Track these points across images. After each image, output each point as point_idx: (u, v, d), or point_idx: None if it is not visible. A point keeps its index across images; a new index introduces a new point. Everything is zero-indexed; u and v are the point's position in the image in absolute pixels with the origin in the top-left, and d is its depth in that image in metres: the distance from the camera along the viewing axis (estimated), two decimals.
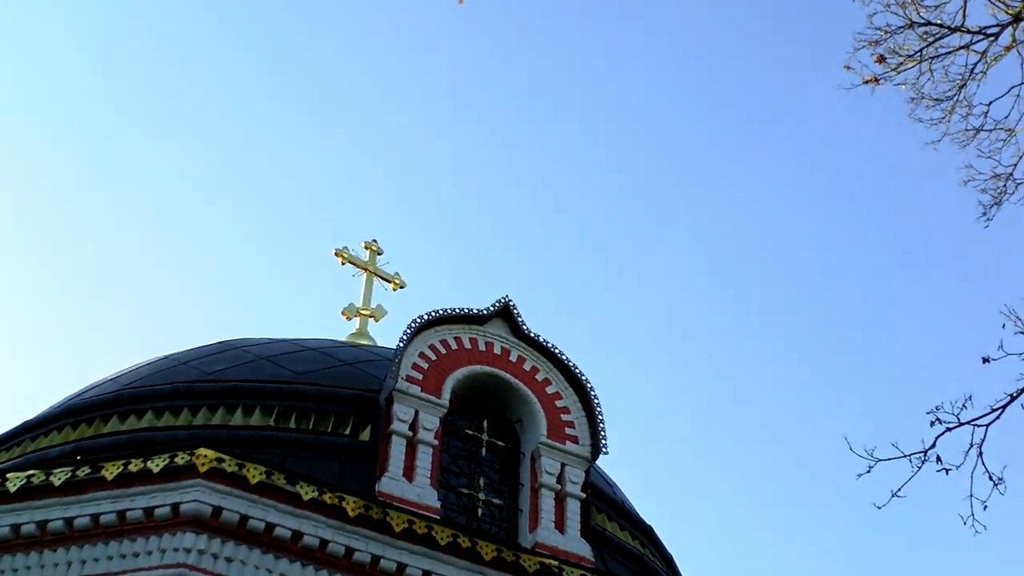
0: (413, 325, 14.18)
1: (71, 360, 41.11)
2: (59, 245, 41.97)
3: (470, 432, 14.47)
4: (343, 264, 19.96)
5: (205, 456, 11.00)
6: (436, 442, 13.70)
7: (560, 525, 13.85)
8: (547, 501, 13.97)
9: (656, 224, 41.34)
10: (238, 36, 42.82)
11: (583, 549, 13.65)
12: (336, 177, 42.73)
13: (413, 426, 13.65)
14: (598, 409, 14.86)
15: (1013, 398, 10.06)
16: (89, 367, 41.57)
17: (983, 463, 10.09)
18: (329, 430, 13.94)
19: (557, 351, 15.19)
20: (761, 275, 40.91)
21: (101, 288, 42.47)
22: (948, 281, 38.86)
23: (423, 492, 13.11)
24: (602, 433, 14.63)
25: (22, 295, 41.49)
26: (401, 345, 13.96)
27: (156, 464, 11.05)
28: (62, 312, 41.99)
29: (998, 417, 10.09)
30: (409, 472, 13.28)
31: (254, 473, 11.12)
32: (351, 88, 43.07)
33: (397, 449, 13.42)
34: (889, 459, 10.22)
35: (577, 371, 15.13)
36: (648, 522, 16.43)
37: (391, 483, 13.02)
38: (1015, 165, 11.96)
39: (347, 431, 13.93)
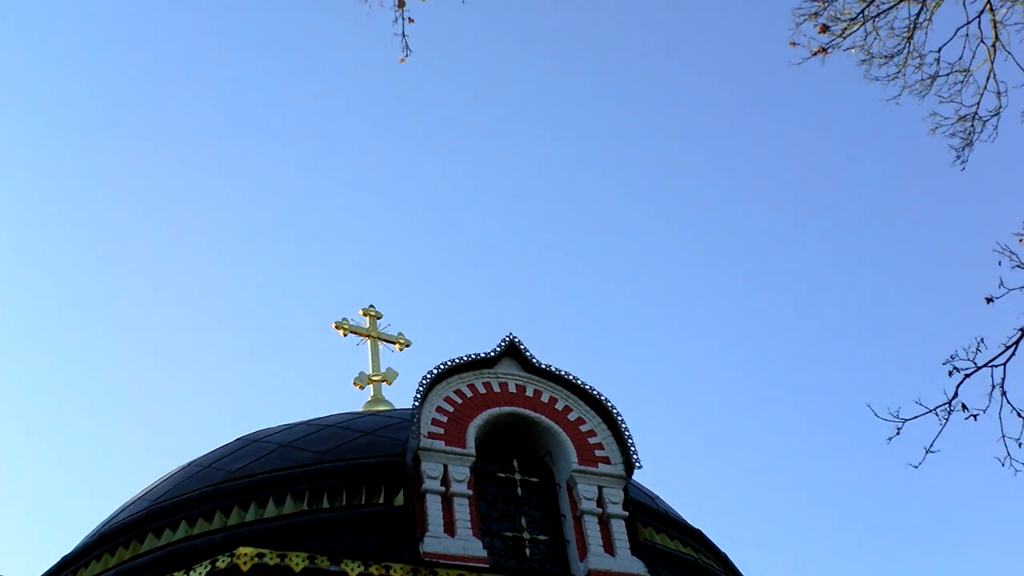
0: (424, 382, 14.21)
1: (96, 485, 41.03)
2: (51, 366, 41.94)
3: (502, 475, 14.46)
4: (345, 336, 20.00)
5: (246, 554, 11.00)
6: (470, 492, 13.69)
7: (609, 548, 13.82)
8: (591, 526, 13.96)
9: (642, 223, 41.23)
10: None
11: (636, 567, 13.62)
12: (322, 251, 42.87)
13: (444, 481, 13.65)
14: (624, 426, 14.87)
15: (1023, 332, 10.05)
16: (115, 488, 41.51)
17: (1008, 402, 10.07)
18: (363, 502, 13.91)
19: (571, 377, 15.22)
20: (751, 257, 40.86)
21: (108, 406, 42.43)
22: (938, 230, 38.85)
23: (467, 544, 13.08)
24: (632, 448, 14.62)
25: (34, 433, 41.44)
26: (417, 404, 13.98)
27: (199, 572, 11.05)
28: (75, 437, 41.91)
29: (1013, 353, 10.08)
30: (450, 527, 13.26)
31: (296, 561, 11.12)
32: (314, 157, 43.17)
33: (433, 507, 13.42)
34: (915, 417, 10.20)
35: (595, 392, 15.15)
36: (697, 526, 16.38)
37: (434, 542, 13.00)
38: (977, 103, 11.99)
39: (381, 500, 13.90)
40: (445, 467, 13.76)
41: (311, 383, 39.12)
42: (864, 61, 12.33)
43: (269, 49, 41.04)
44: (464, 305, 41.58)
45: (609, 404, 15.08)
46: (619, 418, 14.94)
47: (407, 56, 12.06)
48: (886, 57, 12.35)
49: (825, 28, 12.18)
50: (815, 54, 12.16)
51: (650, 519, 15.42)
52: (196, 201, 43.21)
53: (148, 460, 41.23)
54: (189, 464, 16.14)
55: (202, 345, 43.88)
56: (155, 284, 43.09)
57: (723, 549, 16.45)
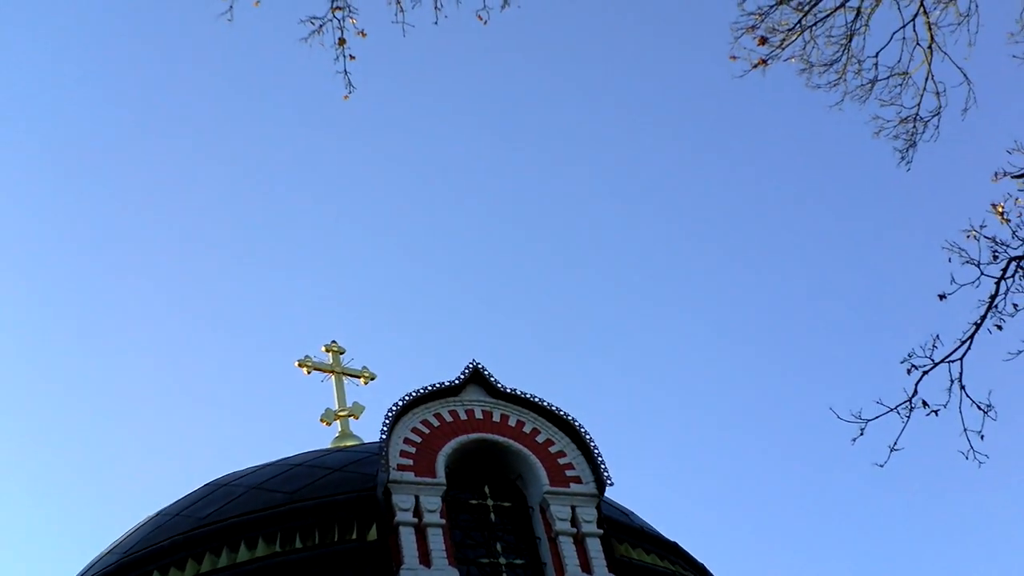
0: (390, 414, 14.21)
1: (64, 539, 40.50)
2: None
3: (474, 502, 14.45)
4: (309, 373, 19.92)
5: None
6: (443, 521, 13.67)
7: (586, 566, 13.84)
8: (567, 547, 13.97)
9: (590, 237, 41.31)
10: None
11: None
12: (280, 290, 42.64)
13: (417, 512, 13.63)
14: (592, 444, 14.91)
15: (977, 325, 10.21)
16: (84, 541, 40.91)
17: (967, 395, 10.22)
18: (336, 539, 13.84)
19: (537, 399, 15.26)
20: (706, 266, 41.08)
21: (72, 460, 41.93)
22: (889, 231, 39.25)
23: (444, 574, 13.07)
24: (603, 466, 14.66)
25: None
26: (384, 437, 13.96)
27: None
28: (40, 492, 41.41)
29: (969, 348, 10.23)
30: (425, 558, 13.23)
31: None
32: (267, 191, 43.03)
33: (407, 539, 13.39)
34: (877, 416, 10.32)
35: (562, 413, 15.19)
36: (672, 538, 16.42)
37: (410, 574, 12.97)
38: (918, 105, 12.19)
39: (354, 535, 13.84)
40: (416, 498, 13.74)
41: (278, 423, 38.88)
42: (804, 70, 12.50)
43: (225, 90, 40.90)
44: (427, 334, 41.54)
45: (576, 423, 15.12)
46: (587, 437, 14.98)
47: (351, 93, 12.11)
48: (826, 65, 12.54)
49: (764, 40, 12.34)
50: (755, 66, 12.32)
51: (625, 535, 15.45)
52: (150, 248, 42.96)
53: (116, 512, 40.83)
54: (158, 513, 16.00)
55: (164, 391, 43.60)
56: (111, 333, 42.73)
57: (700, 559, 16.51)
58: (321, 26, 12.14)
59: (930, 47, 11.89)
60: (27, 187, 41.69)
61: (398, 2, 12.20)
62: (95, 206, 42.51)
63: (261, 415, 41.90)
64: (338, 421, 19.52)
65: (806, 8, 12.43)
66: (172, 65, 40.80)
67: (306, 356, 20.06)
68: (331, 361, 20.17)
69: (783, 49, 12.44)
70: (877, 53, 12.29)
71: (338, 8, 12.16)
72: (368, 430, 19.48)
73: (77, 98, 41.06)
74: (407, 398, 14.58)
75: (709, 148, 40.40)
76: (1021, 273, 10.23)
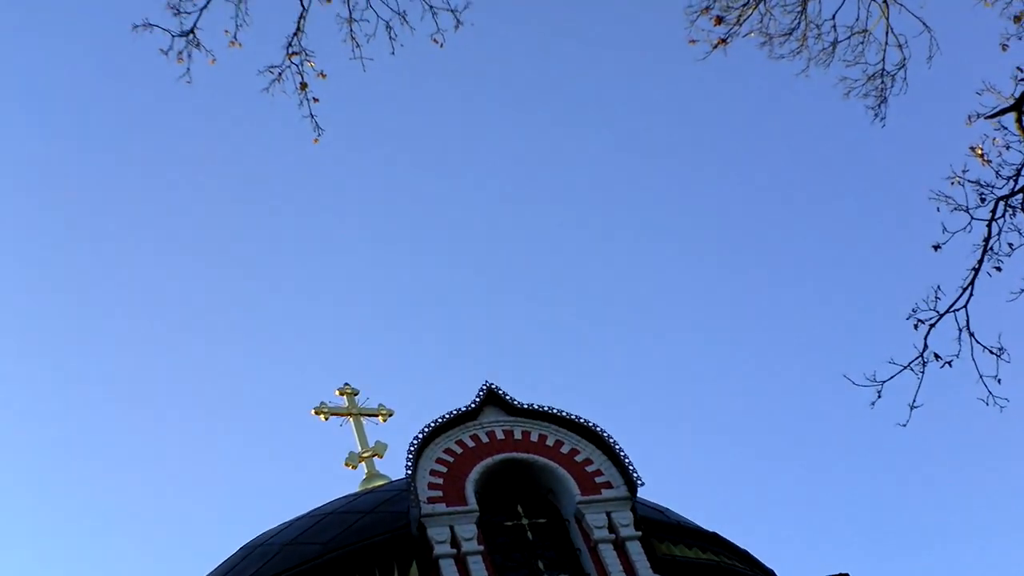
0: (412, 449, 14.17)
1: None
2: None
3: (509, 523, 14.40)
4: (326, 419, 19.88)
5: None
6: (481, 547, 13.63)
7: (630, 570, 13.78)
8: (608, 553, 13.92)
9: (585, 237, 41.14)
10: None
11: None
12: (286, 342, 42.48)
13: (454, 542, 13.60)
14: (618, 448, 14.85)
15: (976, 270, 10.16)
16: None
17: (978, 341, 10.15)
18: None
19: (556, 411, 15.21)
20: (703, 250, 40.94)
21: (106, 536, 41.81)
22: (873, 189, 38.99)
23: None
24: (631, 468, 14.60)
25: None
26: (409, 472, 13.92)
27: None
28: (74, 570, 41.28)
29: (971, 294, 10.17)
30: None
31: None
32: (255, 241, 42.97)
33: (449, 571, 13.36)
34: (892, 377, 10.26)
35: (583, 421, 15.15)
36: (711, 528, 16.33)
37: None
38: (882, 60, 12.16)
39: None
40: (451, 528, 13.70)
41: (304, 474, 38.70)
42: (765, 43, 12.50)
43: (212, 149, 40.80)
44: (436, 359, 41.38)
45: (599, 429, 15.08)
46: (612, 441, 14.93)
47: (320, 135, 12.12)
48: (785, 34, 12.53)
49: (720, 19, 12.33)
50: (716, 46, 12.32)
51: (664, 533, 15.35)
52: (156, 315, 42.99)
53: None
54: None
55: (189, 458, 43.51)
56: (126, 402, 42.70)
57: (741, 545, 16.41)
58: (280, 74, 12.16)
59: (885, 1, 11.86)
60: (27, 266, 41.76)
61: (353, 38, 12.23)
62: (103, 269, 42.41)
63: (285, 469, 41.75)
64: (363, 463, 19.46)
65: None
66: (143, 132, 40.78)
67: (321, 403, 20.02)
68: (347, 404, 20.12)
69: (740, 25, 12.44)
70: (834, 15, 12.29)
71: (294, 53, 12.18)
72: (395, 467, 19.43)
73: (51, 168, 41.06)
74: (426, 430, 14.55)
75: (686, 140, 40.28)
76: (1011, 212, 10.18)
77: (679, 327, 40.81)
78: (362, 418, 20.07)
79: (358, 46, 12.05)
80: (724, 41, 12.16)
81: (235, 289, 42.51)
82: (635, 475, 14.51)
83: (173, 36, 11.44)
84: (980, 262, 10.05)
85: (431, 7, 11.69)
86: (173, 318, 41.81)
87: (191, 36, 11.45)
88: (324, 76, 12.24)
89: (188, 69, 11.64)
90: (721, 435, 40.21)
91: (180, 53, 11.54)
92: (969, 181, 10.19)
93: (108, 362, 42.42)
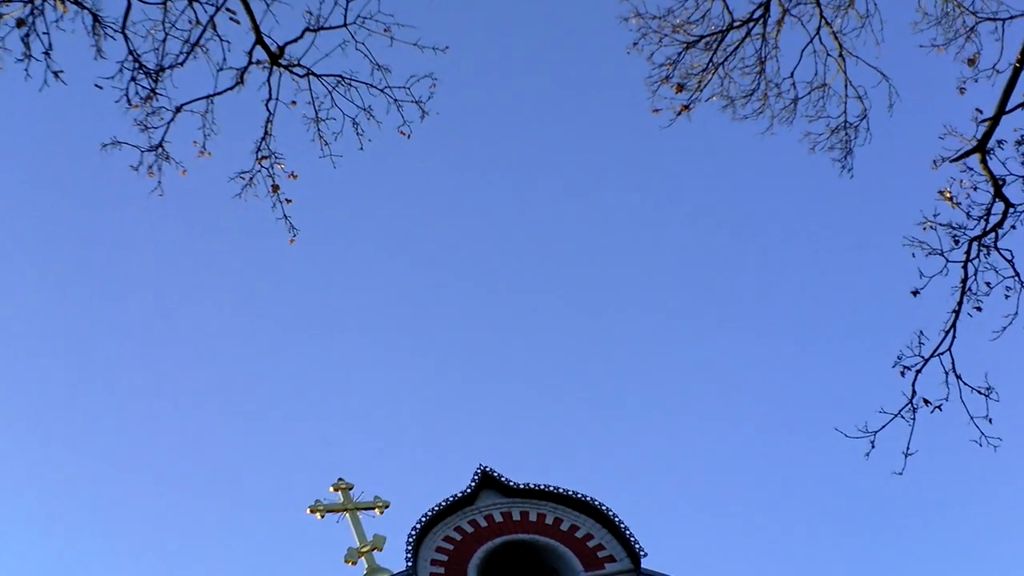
0: (410, 540, 14.07)
1: None
2: None
3: None
4: (322, 517, 19.60)
5: None
6: None
7: None
8: None
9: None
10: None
11: None
12: (269, 445, 42.00)
13: None
14: (618, 520, 14.75)
15: (956, 312, 10.20)
16: None
17: (965, 383, 10.16)
18: None
19: (552, 488, 15.12)
20: (675, 304, 40.95)
21: None
22: (847, 239, 39.24)
23: None
24: (632, 540, 14.50)
25: None
26: (409, 564, 13.80)
27: None
28: None
29: (954, 337, 10.21)
30: None
31: None
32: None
33: None
34: (883, 427, 10.24)
35: (579, 496, 15.05)
36: None
37: None
38: (843, 112, 12.32)
39: None
40: None
41: (304, 575, 38.19)
42: (727, 106, 12.65)
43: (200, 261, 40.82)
44: (429, 445, 41.03)
45: (597, 503, 14.99)
46: (611, 514, 14.83)
47: (295, 235, 12.15)
48: (746, 96, 12.69)
49: (681, 87, 12.48)
50: (679, 113, 12.45)
51: None
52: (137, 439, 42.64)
53: None
54: None
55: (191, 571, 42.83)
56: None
57: None
58: (252, 178, 12.23)
59: (840, 55, 12.05)
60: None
61: (321, 137, 12.32)
62: (84, 384, 42.17)
63: (285, 571, 41.12)
64: (362, 558, 19.17)
65: (714, 46, 12.61)
66: (118, 250, 40.82)
67: (316, 501, 19.71)
68: (342, 499, 19.81)
69: (701, 91, 12.59)
70: (792, 72, 12.45)
71: (264, 157, 12.25)
72: (395, 560, 19.16)
73: (27, 299, 40.99)
74: (423, 519, 14.47)
75: (659, 204, 40.46)
76: (985, 251, 10.25)
77: (669, 397, 40.70)
78: (359, 512, 19.81)
79: (326, 144, 12.12)
80: (687, 108, 12.29)
81: (223, 394, 42.29)
82: (637, 546, 14.41)
83: (142, 151, 11.48)
84: (960, 304, 10.10)
85: (395, 100, 11.80)
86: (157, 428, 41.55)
87: (160, 150, 11.50)
88: (295, 177, 12.30)
89: (159, 183, 11.69)
90: (719, 501, 39.91)
91: (150, 167, 11.58)
92: (941, 225, 10.28)
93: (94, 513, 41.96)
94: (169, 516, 41.22)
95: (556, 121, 38.52)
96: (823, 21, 12.34)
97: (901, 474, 10.33)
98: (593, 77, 35.98)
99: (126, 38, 10.50)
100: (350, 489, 20.03)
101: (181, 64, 11.28)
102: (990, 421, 10.10)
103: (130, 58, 10.64)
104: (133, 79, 10.77)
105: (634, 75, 12.71)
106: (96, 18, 10.22)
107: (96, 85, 10.61)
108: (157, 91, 11.11)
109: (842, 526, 37.72)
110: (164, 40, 11.01)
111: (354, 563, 19.23)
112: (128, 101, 10.85)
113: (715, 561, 36.01)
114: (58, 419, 40.95)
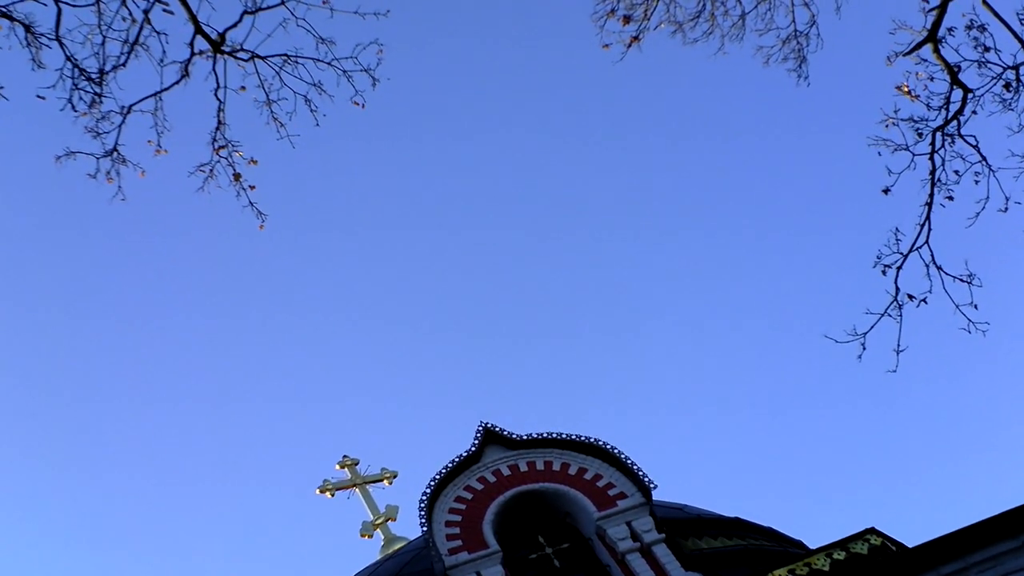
0: (422, 506, 14.10)
1: None
2: None
3: (534, 556, 14.31)
4: (332, 496, 19.72)
5: None
6: None
7: (661, 573, 13.71)
8: (638, 563, 13.83)
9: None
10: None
11: None
12: (277, 426, 42.16)
13: None
14: (624, 457, 14.82)
15: (929, 204, 10.24)
16: None
17: (947, 274, 10.22)
18: None
19: (555, 435, 15.17)
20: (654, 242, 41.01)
21: None
22: (813, 146, 39.19)
23: None
24: (642, 474, 14.57)
25: None
26: (424, 528, 13.85)
27: None
28: None
29: (930, 229, 10.26)
30: None
31: None
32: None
33: None
34: (872, 327, 10.31)
35: (583, 438, 15.11)
36: (732, 513, 16.32)
37: None
38: (792, 20, 12.28)
39: None
40: (478, 574, 13.61)
41: (323, 554, 38.32)
42: (676, 31, 12.60)
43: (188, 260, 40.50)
44: (428, 410, 41.17)
45: (602, 443, 15.04)
46: (616, 451, 14.89)
47: (264, 220, 12.09)
48: (693, 18, 12.63)
49: (627, 19, 12.43)
50: (629, 45, 12.41)
51: (687, 529, 15.31)
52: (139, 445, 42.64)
53: None
54: None
55: (210, 556, 43.00)
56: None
57: (765, 523, 16.39)
58: (212, 170, 12.14)
59: None
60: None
61: (275, 119, 12.22)
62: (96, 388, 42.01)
63: (303, 554, 41.28)
64: (378, 530, 19.31)
65: None
66: (91, 259, 40.54)
67: (324, 480, 19.85)
68: (349, 476, 19.97)
69: (648, 20, 12.53)
70: None
71: (221, 147, 12.16)
72: (410, 527, 19.32)
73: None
74: (433, 483, 14.48)
75: (623, 137, 40.41)
76: (950, 140, 10.28)
77: (656, 319, 40.81)
78: (367, 486, 19.93)
79: (282, 125, 12.06)
80: (636, 39, 12.25)
81: (217, 387, 42.26)
82: (647, 480, 14.48)
83: (98, 158, 11.39)
84: (931, 196, 10.15)
85: (344, 71, 11.70)
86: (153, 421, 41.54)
87: (115, 154, 11.41)
88: (255, 162, 12.22)
89: (119, 187, 11.60)
90: (721, 420, 40.24)
91: (108, 173, 11.50)
92: (903, 120, 10.31)
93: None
94: (185, 522, 41.31)
95: (509, 69, 38.35)
96: None
97: (895, 371, 10.41)
98: (540, 22, 35.83)
99: (62, 45, 10.38)
100: (356, 464, 20.18)
101: (123, 65, 11.16)
102: (976, 307, 10.19)
103: (69, 65, 10.52)
104: (75, 86, 10.65)
105: (580, 13, 12.62)
106: (28, 29, 10.08)
107: (38, 96, 10.48)
108: (103, 95, 11.01)
109: (845, 429, 38.08)
110: (103, 43, 10.89)
111: (370, 536, 19.41)
112: (73, 108, 10.74)
113: (723, 480, 36.36)
114: (59, 421, 40.90)
